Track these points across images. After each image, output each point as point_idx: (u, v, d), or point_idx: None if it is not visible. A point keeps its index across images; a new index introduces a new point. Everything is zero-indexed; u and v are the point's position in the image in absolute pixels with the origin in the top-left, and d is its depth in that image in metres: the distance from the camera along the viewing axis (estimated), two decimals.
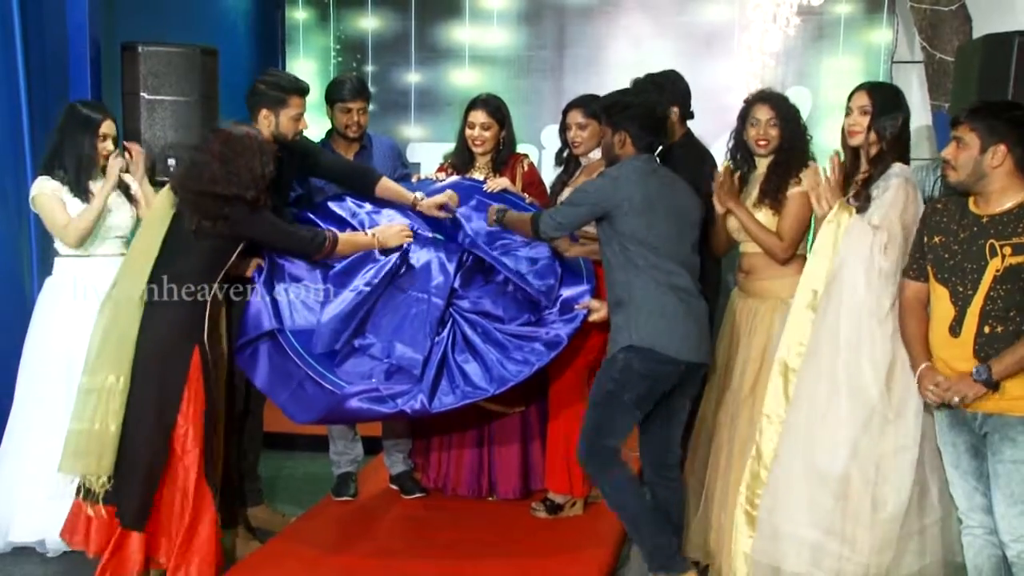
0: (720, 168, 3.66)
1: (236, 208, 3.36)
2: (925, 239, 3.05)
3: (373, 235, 3.73)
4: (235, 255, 3.46)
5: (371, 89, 6.25)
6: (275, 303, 3.66)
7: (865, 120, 3.35)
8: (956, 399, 2.91)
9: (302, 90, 3.76)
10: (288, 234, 3.57)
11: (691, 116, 4.05)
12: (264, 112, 3.70)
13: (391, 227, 3.79)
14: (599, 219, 3.46)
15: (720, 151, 4.13)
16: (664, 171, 3.55)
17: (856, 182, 3.35)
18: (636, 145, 3.51)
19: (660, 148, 3.65)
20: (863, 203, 3.27)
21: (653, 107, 3.58)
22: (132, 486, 3.33)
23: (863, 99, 3.38)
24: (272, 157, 3.45)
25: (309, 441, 4.75)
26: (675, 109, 3.94)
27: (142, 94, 4.42)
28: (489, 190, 4.07)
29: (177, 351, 3.35)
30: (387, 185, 3.96)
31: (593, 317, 3.72)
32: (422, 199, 3.94)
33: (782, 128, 3.59)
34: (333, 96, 4.30)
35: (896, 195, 3.21)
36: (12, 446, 3.71)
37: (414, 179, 4.30)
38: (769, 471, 3.29)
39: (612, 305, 3.49)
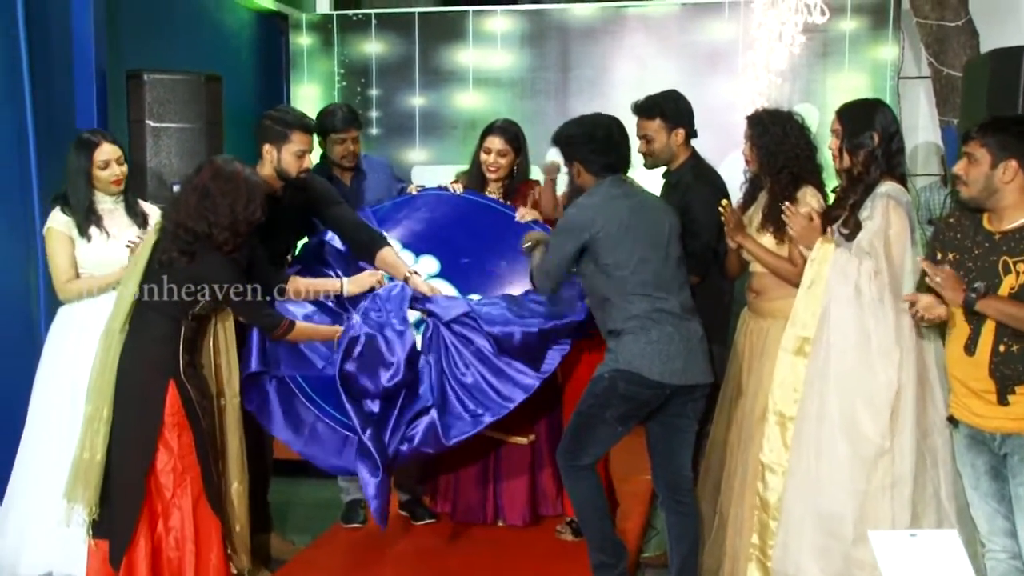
0: (725, 202, 3.62)
1: (203, 247, 3.28)
2: (938, 256, 3.03)
3: (339, 286, 3.71)
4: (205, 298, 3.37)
5: (375, 113, 6.39)
6: (273, 346, 3.63)
7: (838, 143, 3.34)
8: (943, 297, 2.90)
9: (306, 127, 3.76)
10: (247, 300, 3.37)
11: (695, 136, 4.05)
12: (267, 147, 3.71)
13: (361, 278, 3.76)
14: (581, 253, 3.42)
15: (726, 171, 4.15)
16: (634, 192, 3.52)
17: (846, 208, 3.31)
18: (591, 170, 3.49)
19: (663, 170, 3.64)
20: (853, 229, 3.25)
21: (595, 127, 3.53)
22: (113, 520, 3.31)
23: (835, 122, 3.38)
24: (261, 203, 3.34)
25: (318, 468, 4.71)
26: (680, 131, 3.93)
27: (147, 122, 4.43)
28: (520, 219, 4.07)
29: (150, 387, 3.31)
30: (386, 257, 3.89)
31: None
32: (415, 275, 3.86)
33: (757, 149, 3.58)
34: (326, 127, 4.32)
35: (881, 219, 3.18)
36: (21, 479, 3.69)
37: (412, 189, 4.30)
38: (777, 520, 3.27)
39: (604, 336, 3.48)
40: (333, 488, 4.46)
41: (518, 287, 3.96)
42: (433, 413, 3.55)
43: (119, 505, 3.30)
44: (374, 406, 3.59)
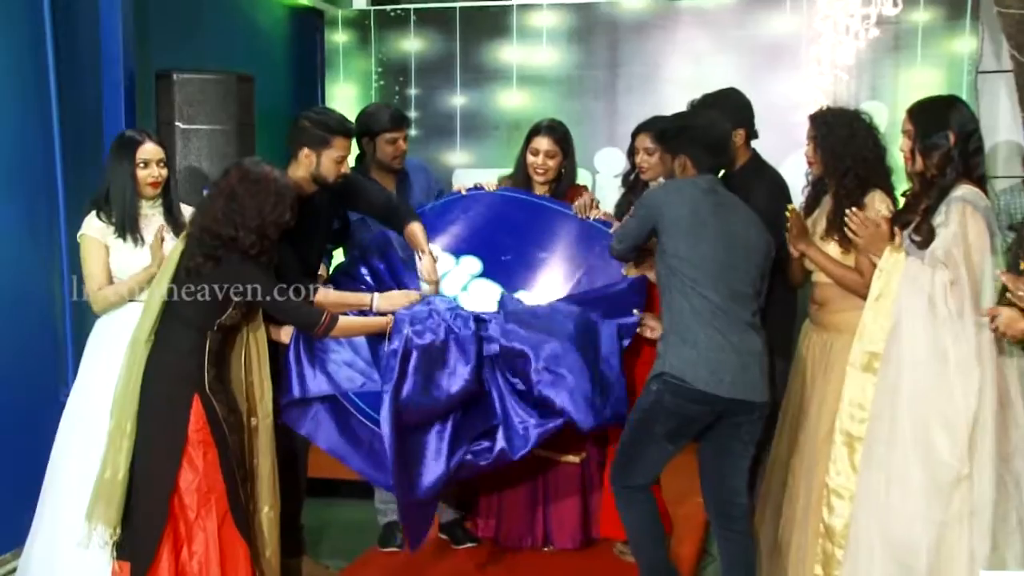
0: (791, 207, 3.60)
1: (229, 252, 3.31)
2: (1021, 265, 2.98)
3: (370, 301, 3.68)
4: (232, 306, 3.40)
5: (414, 114, 6.42)
6: (315, 364, 3.66)
7: (910, 144, 3.31)
8: None
9: (349, 132, 3.79)
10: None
11: (756, 136, 4.03)
12: (305, 151, 3.72)
13: (393, 295, 3.74)
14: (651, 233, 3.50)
15: (787, 172, 4.13)
16: (727, 195, 3.55)
17: (919, 213, 3.28)
18: (698, 168, 3.53)
19: (723, 171, 3.65)
20: (926, 236, 3.21)
21: (712, 125, 3.60)
22: (135, 541, 3.34)
23: (905, 122, 3.35)
24: (290, 205, 3.38)
25: (353, 487, 4.73)
26: (740, 131, 3.92)
27: (177, 123, 4.48)
28: (584, 217, 4.11)
29: (174, 401, 3.34)
30: (415, 230, 3.96)
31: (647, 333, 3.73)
32: (429, 255, 3.92)
33: (821, 150, 3.56)
34: (374, 128, 4.35)
35: (957, 226, 3.14)
36: (51, 499, 3.69)
37: (460, 189, 4.31)
38: (843, 549, 3.23)
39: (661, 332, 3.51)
40: (369, 509, 4.48)
41: (562, 281, 3.98)
42: (500, 432, 3.55)
43: (141, 525, 3.33)
44: (429, 430, 3.56)
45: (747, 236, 3.47)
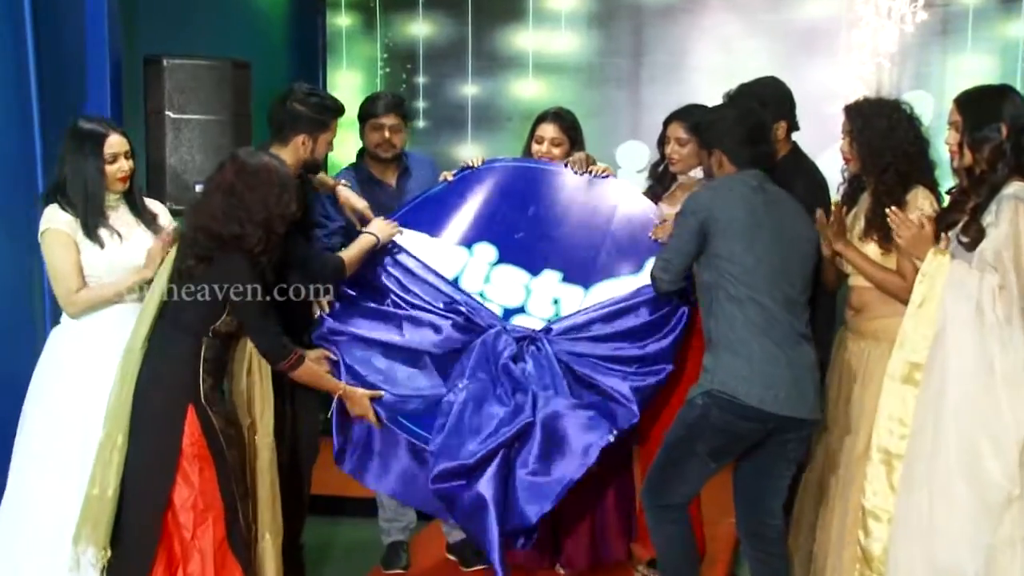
0: (836, 201, 3.59)
1: (226, 251, 3.29)
2: None
3: (341, 387, 3.67)
4: (227, 310, 3.37)
5: (422, 103, 6.41)
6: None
7: (958, 137, 3.28)
8: None
9: (341, 110, 3.85)
10: (254, 310, 3.36)
11: (797, 128, 4.00)
12: (303, 138, 3.74)
13: (361, 396, 3.68)
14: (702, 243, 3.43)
15: (823, 168, 4.10)
16: (775, 190, 3.51)
17: (966, 212, 3.25)
18: (735, 162, 3.49)
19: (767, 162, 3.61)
20: (975, 237, 3.17)
21: (747, 115, 3.57)
22: (126, 563, 3.31)
23: (953, 113, 3.32)
24: (295, 195, 3.38)
25: (357, 505, 4.76)
26: (781, 123, 3.89)
27: (167, 113, 4.48)
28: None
29: (167, 411, 3.32)
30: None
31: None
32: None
33: (859, 144, 3.52)
34: (365, 112, 4.37)
35: (1008, 225, 3.10)
36: (10, 529, 3.60)
37: (446, 176, 4.24)
38: None
39: (706, 344, 3.46)
40: (373, 527, 4.48)
41: (586, 247, 4.01)
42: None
43: (132, 546, 3.31)
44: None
45: (798, 235, 3.46)
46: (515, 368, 3.69)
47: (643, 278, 3.80)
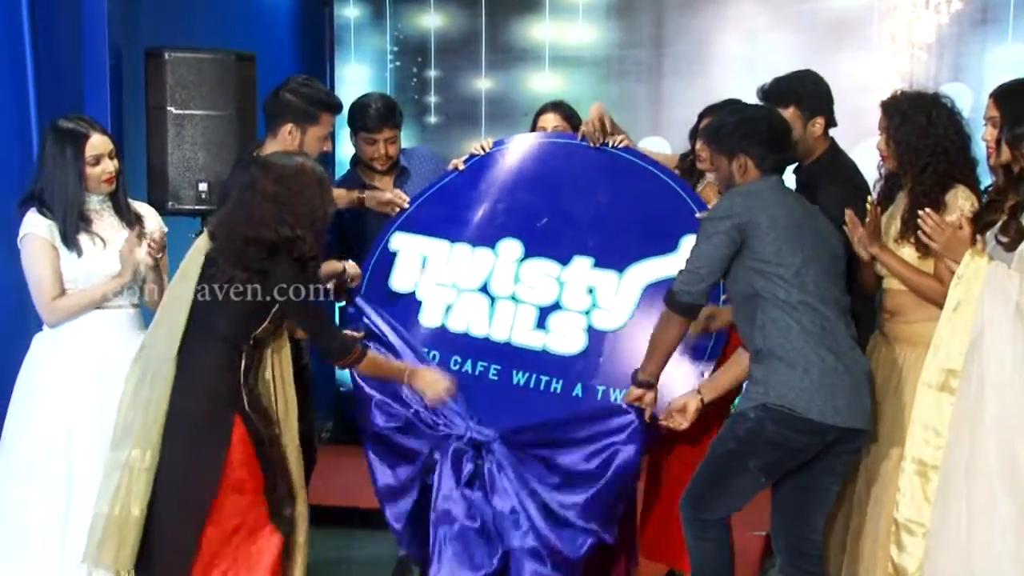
0: (871, 199, 3.54)
1: (277, 257, 3.29)
2: None
3: (406, 369, 3.64)
4: (270, 316, 3.37)
5: (434, 98, 6.41)
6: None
7: (995, 133, 3.25)
8: None
9: (337, 106, 3.84)
10: (316, 312, 3.41)
11: (835, 124, 3.97)
12: (289, 128, 3.74)
13: (431, 373, 3.64)
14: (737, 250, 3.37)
15: (855, 161, 4.06)
16: (798, 195, 3.51)
17: (1005, 211, 3.21)
18: (761, 167, 3.45)
19: (794, 166, 3.60)
20: (1014, 237, 3.14)
21: (772, 115, 3.55)
22: None
23: (990, 108, 3.29)
24: (331, 189, 3.41)
25: (369, 518, 4.68)
26: (819, 120, 3.86)
27: (169, 108, 4.50)
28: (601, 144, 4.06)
29: (214, 423, 3.31)
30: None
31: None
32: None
33: (895, 142, 3.49)
34: (355, 124, 4.28)
35: None
36: None
37: (456, 165, 4.18)
38: None
39: (752, 355, 3.42)
40: (387, 541, 4.41)
41: (619, 228, 3.95)
42: None
43: (164, 567, 3.30)
44: None
45: (830, 239, 3.44)
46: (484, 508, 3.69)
47: (681, 256, 3.65)
